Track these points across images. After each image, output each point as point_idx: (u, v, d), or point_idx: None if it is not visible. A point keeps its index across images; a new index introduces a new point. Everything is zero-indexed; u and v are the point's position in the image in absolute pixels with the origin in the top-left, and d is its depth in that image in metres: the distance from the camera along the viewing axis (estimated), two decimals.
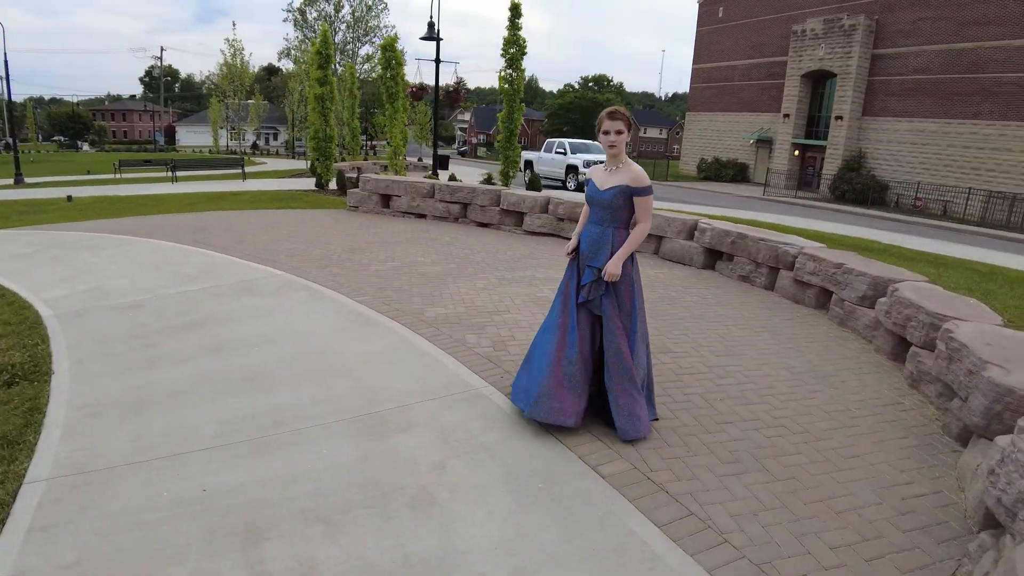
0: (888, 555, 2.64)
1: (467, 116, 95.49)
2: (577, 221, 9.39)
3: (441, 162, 19.74)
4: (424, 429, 3.34)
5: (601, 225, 3.39)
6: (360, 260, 7.39)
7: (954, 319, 4.52)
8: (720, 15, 39.82)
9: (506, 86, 15.61)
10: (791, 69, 33.21)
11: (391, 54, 15.71)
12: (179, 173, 20.07)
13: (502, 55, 15.54)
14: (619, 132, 3.26)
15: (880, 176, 29.20)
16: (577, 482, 2.95)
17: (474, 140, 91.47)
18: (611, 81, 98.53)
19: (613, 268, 3.26)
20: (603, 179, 3.38)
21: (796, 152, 34.99)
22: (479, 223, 10.82)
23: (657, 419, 3.63)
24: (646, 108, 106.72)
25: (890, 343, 5.22)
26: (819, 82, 33.11)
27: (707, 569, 2.43)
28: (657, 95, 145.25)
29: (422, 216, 11.59)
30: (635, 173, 3.27)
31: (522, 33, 15.17)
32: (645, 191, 3.26)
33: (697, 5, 41.64)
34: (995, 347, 3.90)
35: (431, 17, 18.16)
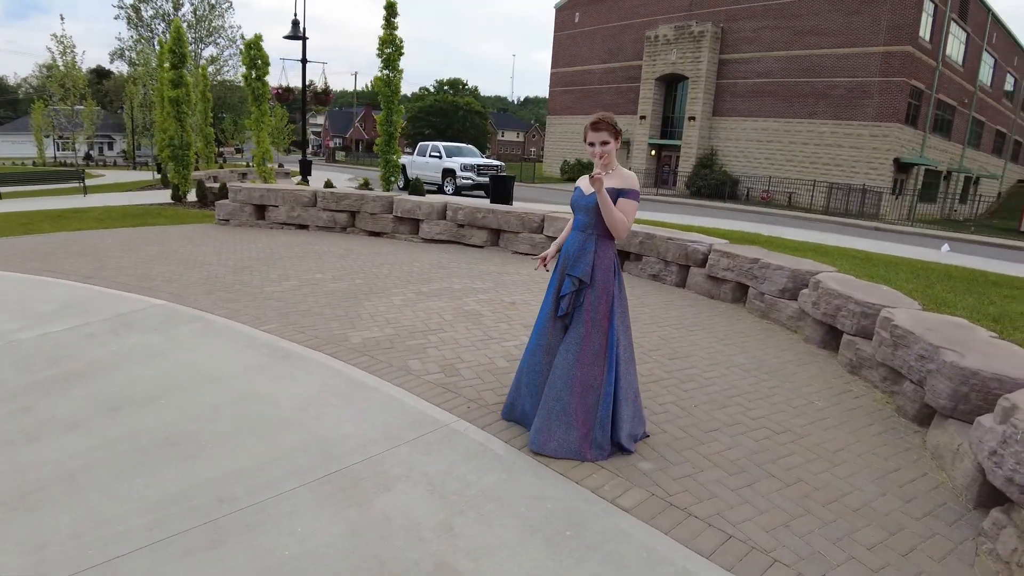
0: (918, 546, 2.67)
1: (320, 119, 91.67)
2: (477, 227, 9.19)
3: (305, 167, 18.42)
4: (408, 483, 2.85)
5: (584, 232, 3.18)
6: (250, 281, 6.52)
7: (885, 307, 4.81)
8: (577, 20, 41.48)
9: (384, 87, 14.91)
10: (646, 73, 35.37)
11: (256, 52, 14.36)
12: (2, 189, 16.95)
13: (378, 55, 14.83)
14: (604, 143, 3.06)
15: (731, 171, 32.02)
16: (604, 521, 2.64)
17: (330, 144, 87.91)
18: (466, 84, 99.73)
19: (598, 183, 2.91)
20: (589, 185, 3.17)
21: (653, 152, 37.36)
22: (370, 232, 10.14)
23: (648, 436, 3.43)
24: (500, 112, 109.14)
25: (819, 332, 5.48)
26: (672, 85, 35.60)
27: None
28: (510, 99, 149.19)
29: (304, 227, 10.65)
30: (624, 177, 3.08)
31: (398, 33, 14.56)
32: (630, 194, 3.07)
33: (554, 11, 43.07)
34: (936, 332, 4.14)
35: (295, 15, 16.91)
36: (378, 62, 14.98)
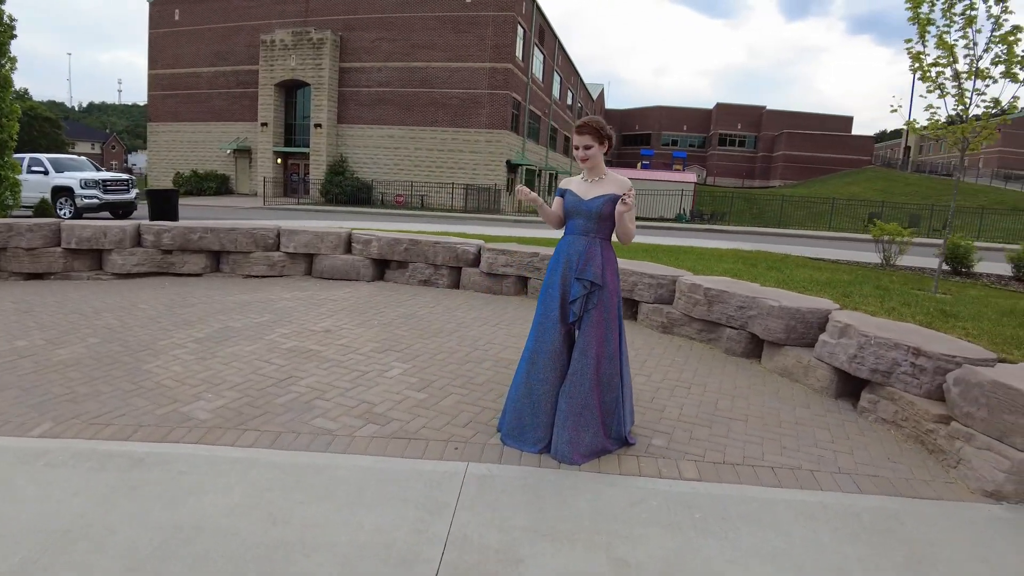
0: (819, 424, 3.38)
1: None
2: (191, 251, 7.41)
3: None
4: (493, 531, 2.27)
5: (587, 236, 3.08)
6: None
7: (671, 276, 5.84)
8: (177, 18, 36.22)
9: None
10: (264, 78, 33.27)
11: None
12: None
13: None
14: (587, 147, 3.03)
15: (363, 177, 32.78)
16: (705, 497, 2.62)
17: None
18: (12, 87, 76.87)
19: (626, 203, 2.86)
20: (585, 190, 3.10)
21: (279, 160, 35.58)
22: (28, 274, 7.12)
23: (633, 443, 3.39)
24: (63, 119, 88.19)
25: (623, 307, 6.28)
26: (292, 91, 34.31)
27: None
28: (69, 104, 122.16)
29: None
30: (621, 183, 3.07)
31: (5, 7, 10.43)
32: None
33: (148, 5, 36.66)
34: (734, 287, 5.27)
35: None
36: None
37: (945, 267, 8.69)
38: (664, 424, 3.55)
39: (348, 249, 8.01)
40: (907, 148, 59.92)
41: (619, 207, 2.90)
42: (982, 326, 4.40)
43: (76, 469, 2.69)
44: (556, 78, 42.19)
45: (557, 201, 3.17)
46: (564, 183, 3.19)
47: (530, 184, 36.98)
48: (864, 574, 2.27)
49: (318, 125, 32.83)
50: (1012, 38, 5.17)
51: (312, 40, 31.92)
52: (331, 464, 2.85)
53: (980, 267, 9.16)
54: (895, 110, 6.31)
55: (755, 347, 5.03)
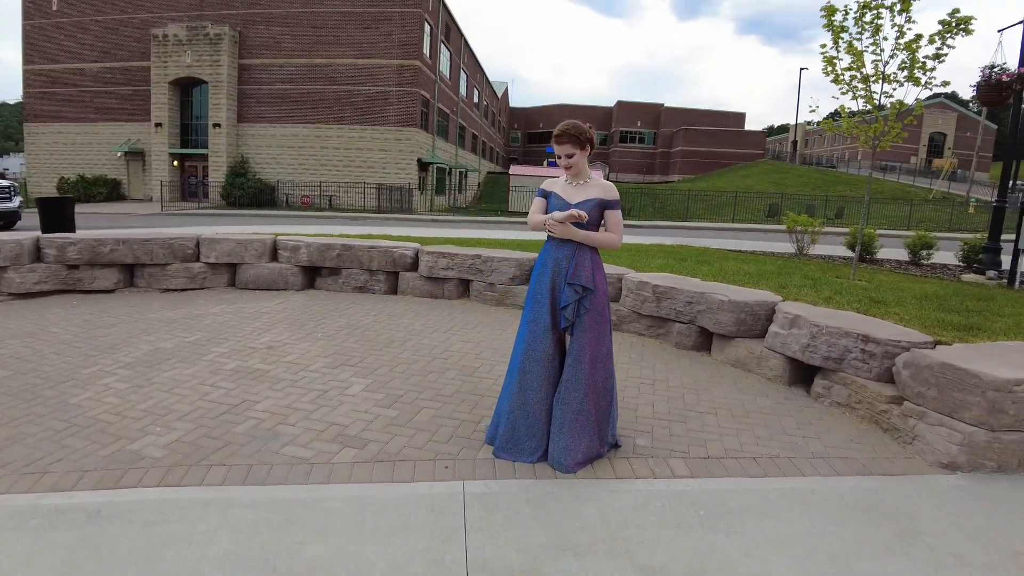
0: (777, 410, 3.57)
1: None
2: (101, 264, 6.71)
3: None
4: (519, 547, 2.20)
5: (574, 240, 2.98)
6: None
7: (616, 273, 5.95)
8: (55, 7, 32.68)
9: None
10: (156, 76, 30.83)
11: None
12: None
13: None
14: (569, 155, 2.97)
15: (266, 179, 31.20)
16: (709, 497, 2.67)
17: None
18: None
19: (575, 214, 2.86)
20: (570, 193, 3.05)
21: (176, 162, 33.21)
22: None
23: (620, 445, 3.39)
24: None
25: None
26: (188, 89, 32.05)
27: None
28: None
29: None
30: (607, 186, 3.04)
31: None
32: (616, 204, 3.06)
33: None
34: (681, 284, 5.44)
35: None
36: None
37: (850, 254, 9.43)
38: (642, 423, 3.59)
39: (274, 257, 7.57)
40: (795, 142, 64.81)
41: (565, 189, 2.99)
42: (909, 311, 4.80)
43: (21, 532, 2.33)
44: (463, 75, 42.10)
45: (540, 203, 3.10)
46: (547, 185, 3.13)
47: (440, 183, 36.69)
48: (866, 552, 2.39)
49: (217, 125, 30.91)
50: (915, 45, 5.68)
51: (209, 35, 29.95)
52: (317, 497, 2.65)
53: (881, 253, 10.03)
54: (813, 110, 6.77)
55: (704, 340, 5.22)
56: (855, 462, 3.20)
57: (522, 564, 2.23)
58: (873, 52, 5.92)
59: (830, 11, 5.91)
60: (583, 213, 2.88)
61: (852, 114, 6.32)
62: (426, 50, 31.40)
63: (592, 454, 3.05)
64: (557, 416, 2.97)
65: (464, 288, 7.23)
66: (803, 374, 4.34)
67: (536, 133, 73.57)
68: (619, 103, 71.02)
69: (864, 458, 3.25)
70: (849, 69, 6.01)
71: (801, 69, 60.50)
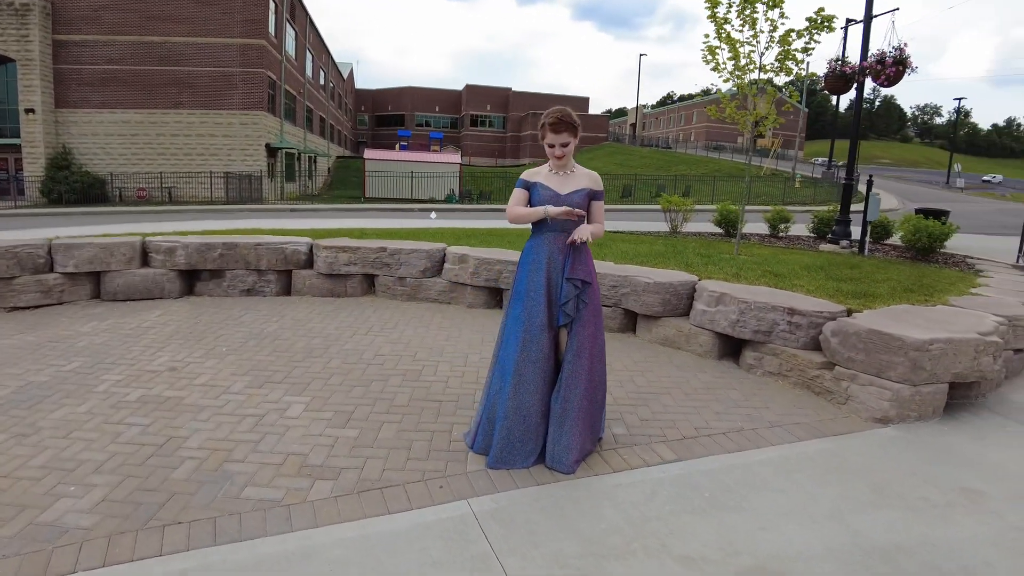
0: (715, 382, 3.86)
1: None
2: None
3: None
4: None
5: (566, 232, 2.90)
6: None
7: None
8: None
9: None
10: None
11: None
12: None
13: None
14: (565, 144, 2.86)
15: (95, 171, 27.21)
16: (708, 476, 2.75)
17: None
18: None
19: (585, 233, 2.82)
20: (558, 183, 2.92)
21: None
22: None
23: (602, 435, 3.35)
24: None
25: (483, 297, 6.22)
26: None
27: None
28: None
29: None
30: (593, 176, 2.98)
31: None
32: (602, 194, 3.01)
33: None
34: (603, 269, 5.56)
35: None
36: None
37: (718, 230, 10.28)
38: (610, 411, 3.60)
39: (145, 261, 6.57)
40: (633, 125, 69.39)
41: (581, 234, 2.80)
42: (808, 282, 5.31)
43: None
44: (308, 56, 39.61)
45: (522, 195, 2.93)
46: (529, 176, 2.96)
47: (290, 169, 34.39)
48: (854, 507, 2.62)
49: (30, 111, 26.21)
50: (787, 40, 6.26)
51: (14, 5, 25.12)
52: (314, 545, 2.32)
53: (744, 228, 10.95)
54: (707, 92, 7.20)
55: (630, 322, 5.39)
56: (807, 426, 3.48)
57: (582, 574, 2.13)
58: (750, 43, 6.43)
59: (713, 3, 6.31)
60: (583, 212, 2.79)
61: (733, 97, 6.83)
62: (271, 29, 28.99)
63: (587, 450, 3.01)
64: (557, 415, 2.88)
65: (369, 284, 6.81)
66: (731, 348, 4.65)
67: (385, 116, 71.66)
68: (468, 87, 71.14)
69: (811, 421, 3.55)
70: (732, 59, 6.48)
71: (641, 55, 64.78)
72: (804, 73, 6.45)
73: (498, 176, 40.00)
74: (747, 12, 6.21)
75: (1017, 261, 7.80)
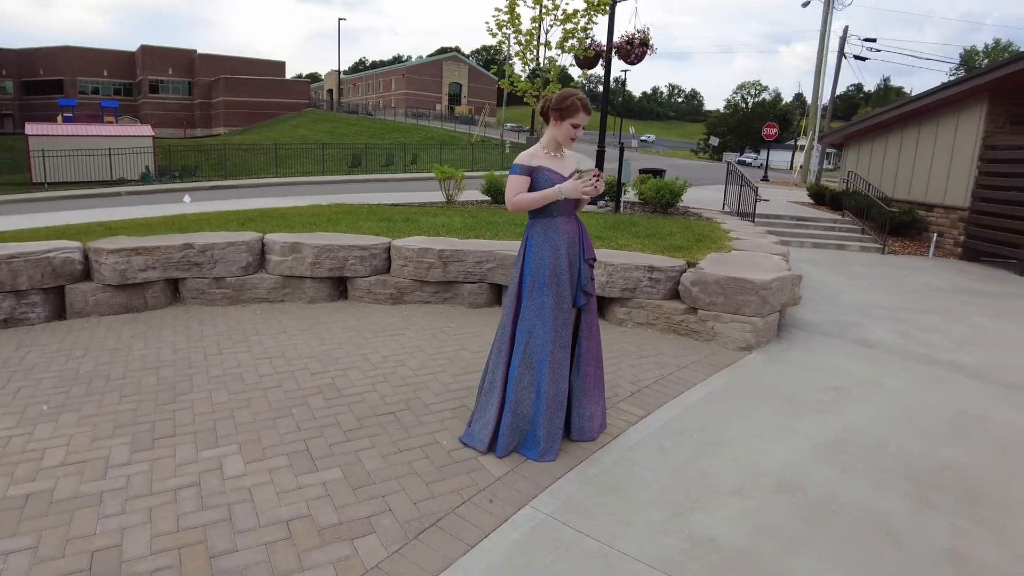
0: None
1: None
2: None
3: None
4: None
5: (573, 214, 3.00)
6: None
7: (380, 244, 5.70)
8: None
9: None
10: None
11: None
12: None
13: None
14: (579, 126, 2.89)
15: None
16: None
17: None
18: None
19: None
20: (559, 166, 2.91)
21: None
22: None
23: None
24: None
25: (327, 289, 5.76)
26: None
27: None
28: None
29: None
30: (577, 156, 3.12)
31: None
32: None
33: None
34: (463, 246, 5.64)
35: None
36: None
37: (487, 198, 10.81)
38: None
39: None
40: (331, 91, 66.75)
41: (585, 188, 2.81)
42: (633, 242, 6.14)
43: None
44: None
45: (524, 181, 2.83)
46: (527, 160, 2.85)
47: None
48: (788, 419, 3.40)
49: None
50: (572, 20, 7.02)
51: None
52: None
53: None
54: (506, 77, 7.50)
55: (495, 296, 5.61)
56: (703, 364, 4.22)
57: (691, 534, 2.37)
58: (534, 21, 7.04)
59: None
60: (599, 171, 2.89)
61: (530, 75, 7.40)
62: None
63: (604, 416, 3.21)
64: (578, 390, 3.03)
65: (173, 290, 5.64)
66: (600, 306, 5.22)
67: (37, 82, 57.86)
68: (144, 47, 60.17)
69: (701, 359, 4.31)
70: (527, 35, 7.00)
71: (340, 19, 62.18)
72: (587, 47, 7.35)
73: (196, 149, 34.97)
74: None
75: (723, 208, 10.14)
